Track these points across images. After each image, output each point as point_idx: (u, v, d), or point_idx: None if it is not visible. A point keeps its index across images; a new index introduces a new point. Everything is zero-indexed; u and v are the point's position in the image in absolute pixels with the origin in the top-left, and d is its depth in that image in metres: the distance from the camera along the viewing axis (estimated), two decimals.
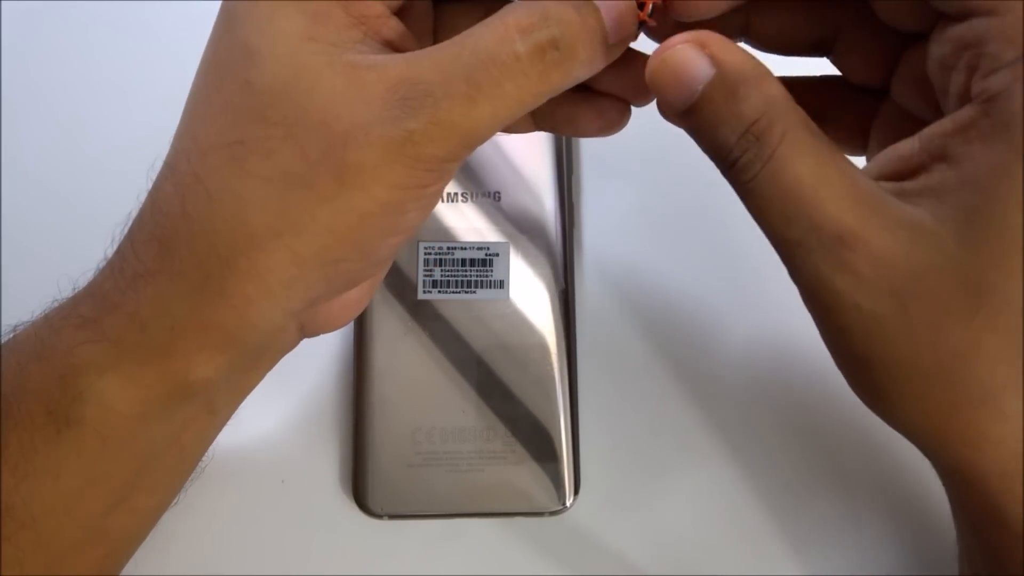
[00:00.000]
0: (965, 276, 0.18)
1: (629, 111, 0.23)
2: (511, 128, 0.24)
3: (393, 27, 0.21)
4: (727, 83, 0.20)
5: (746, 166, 0.20)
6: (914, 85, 0.22)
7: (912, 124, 0.21)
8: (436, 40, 0.23)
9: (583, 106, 0.23)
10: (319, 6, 0.20)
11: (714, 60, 0.20)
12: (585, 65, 0.20)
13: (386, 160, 0.19)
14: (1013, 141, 0.18)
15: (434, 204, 0.22)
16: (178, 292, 0.21)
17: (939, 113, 0.20)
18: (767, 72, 0.20)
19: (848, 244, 0.19)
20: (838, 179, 0.19)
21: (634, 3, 0.21)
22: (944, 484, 0.23)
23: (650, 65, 0.20)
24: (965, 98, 0.19)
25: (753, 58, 0.20)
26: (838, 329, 0.20)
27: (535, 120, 0.24)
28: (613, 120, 0.23)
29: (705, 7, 0.21)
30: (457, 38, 0.20)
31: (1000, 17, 0.18)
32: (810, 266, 0.20)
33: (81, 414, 0.21)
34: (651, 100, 0.23)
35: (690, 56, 0.20)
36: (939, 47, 0.20)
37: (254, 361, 0.23)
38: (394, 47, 0.21)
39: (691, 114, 0.20)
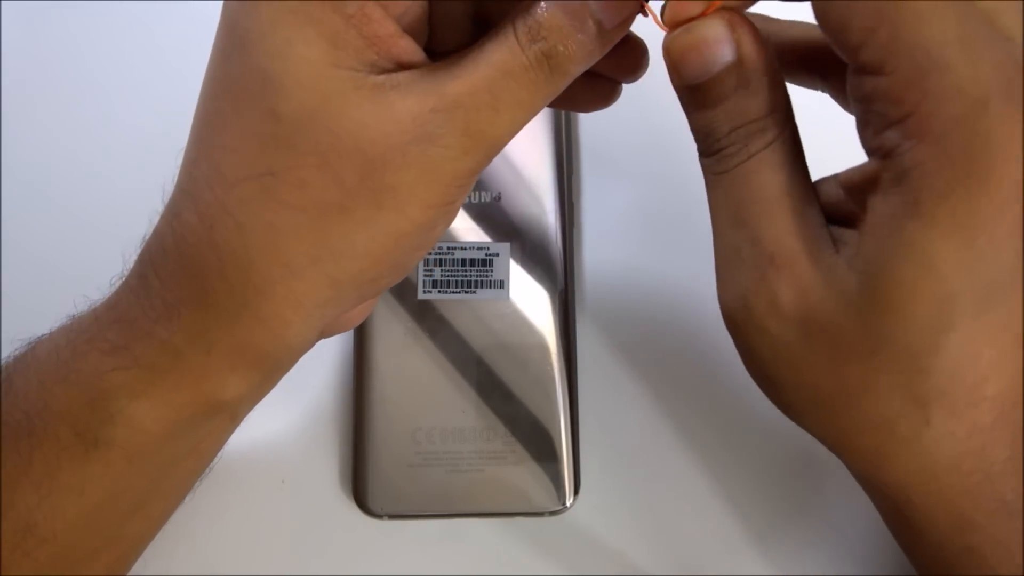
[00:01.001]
0: (864, 322, 0.19)
1: (620, 89, 0.24)
2: None
3: (404, 47, 0.20)
4: (743, 74, 0.20)
5: (724, 159, 0.20)
6: None
7: None
8: (432, 25, 0.23)
9: (577, 85, 0.23)
10: (336, 30, 0.19)
11: (738, 46, 0.20)
12: (582, 62, 0.20)
13: (422, 180, 0.20)
14: (905, 196, 0.18)
15: (455, 217, 0.23)
16: (214, 320, 0.21)
17: None
18: (782, 78, 0.20)
19: (777, 265, 0.20)
20: (797, 202, 0.20)
21: None
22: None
23: (674, 35, 0.20)
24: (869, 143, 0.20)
25: (774, 58, 0.20)
26: (747, 348, 0.21)
27: None
28: (605, 94, 0.24)
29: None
30: (468, 54, 0.20)
31: (886, 77, 0.18)
32: (737, 277, 0.20)
33: (111, 436, 0.21)
34: (638, 78, 0.23)
35: (717, 35, 0.20)
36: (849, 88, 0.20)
37: (281, 371, 0.23)
38: (405, 67, 0.21)
39: (697, 91, 0.20)
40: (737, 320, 0.21)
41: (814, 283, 0.20)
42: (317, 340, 0.24)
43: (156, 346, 0.21)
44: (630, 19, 0.21)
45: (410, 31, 0.21)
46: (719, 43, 0.20)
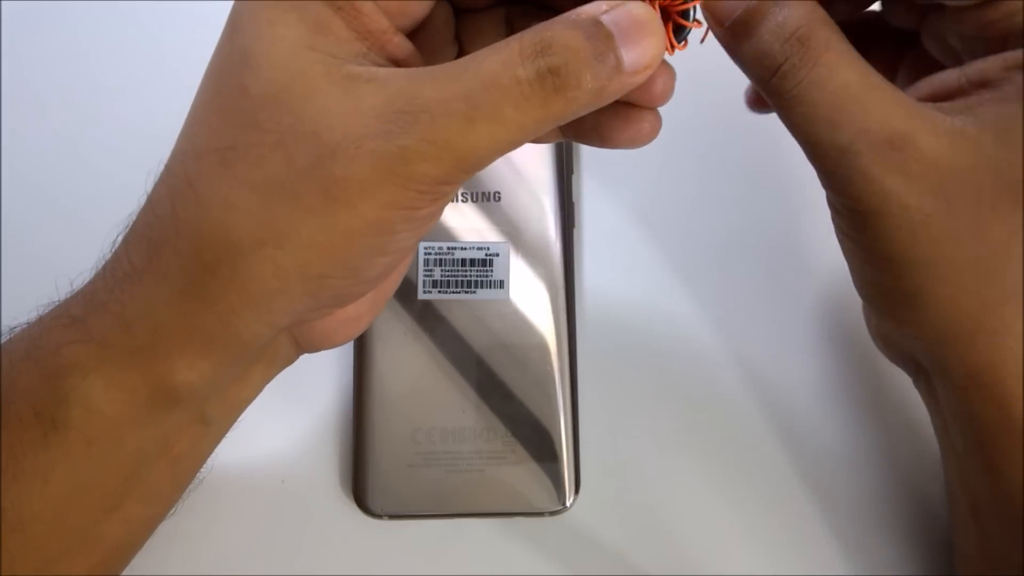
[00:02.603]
0: (1005, 175, 0.20)
1: (659, 121, 0.22)
2: (538, 139, 0.22)
3: (398, 44, 0.20)
4: None
5: (790, 72, 0.21)
6: (938, 41, 0.24)
7: (936, 68, 0.23)
8: (462, 49, 0.23)
9: (610, 116, 0.22)
10: (320, 17, 0.19)
11: None
12: (592, 95, 0.19)
13: (375, 177, 0.19)
14: None
15: (429, 226, 0.21)
16: (162, 294, 0.20)
17: (959, 61, 0.23)
18: None
19: (897, 146, 0.20)
20: (881, 86, 0.21)
21: (662, 32, 0.20)
22: (948, 399, 0.24)
23: None
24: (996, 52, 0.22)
25: None
26: (881, 235, 0.21)
27: (561, 128, 0.23)
28: (644, 131, 0.22)
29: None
30: (463, 59, 0.19)
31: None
32: (858, 170, 0.21)
33: (67, 416, 0.21)
34: (667, 100, 0.22)
35: None
36: (959, 24, 0.22)
37: (243, 371, 0.23)
38: (399, 65, 0.20)
39: (738, 24, 0.21)
40: (874, 209, 0.21)
41: (944, 150, 0.20)
42: (292, 351, 0.24)
43: (109, 319, 0.21)
44: (651, 67, 0.19)
45: (432, 45, 0.21)
46: None
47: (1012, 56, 0.21)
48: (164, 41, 0.36)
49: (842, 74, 0.20)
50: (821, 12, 0.21)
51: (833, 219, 0.23)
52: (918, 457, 0.32)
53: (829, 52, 0.20)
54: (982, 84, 0.21)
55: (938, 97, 0.22)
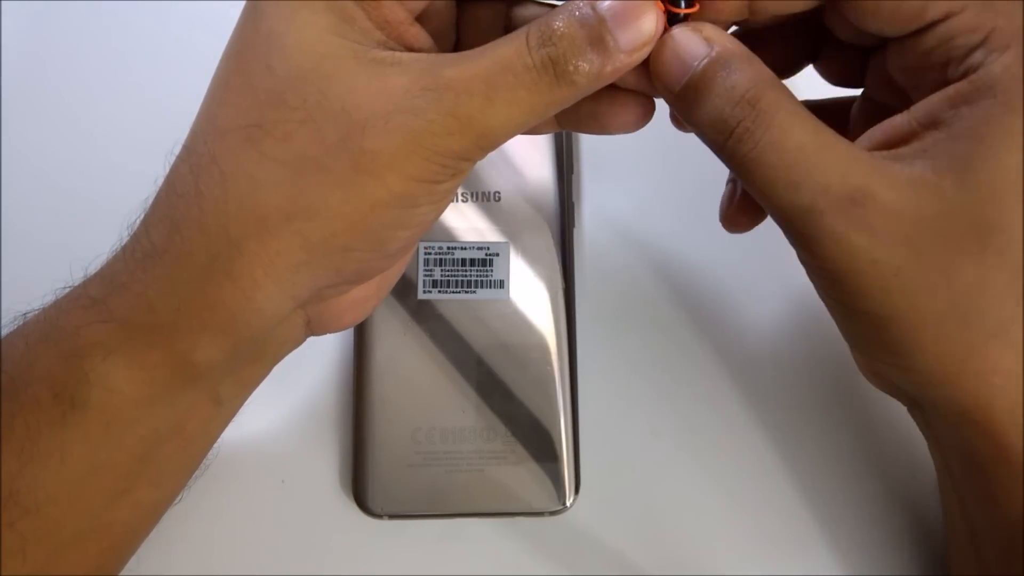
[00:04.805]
0: (968, 217, 0.20)
1: (653, 106, 0.23)
2: (535, 129, 0.24)
3: (415, 34, 0.21)
4: (722, 60, 0.21)
5: (745, 135, 0.21)
6: (883, 84, 0.24)
7: (885, 114, 0.23)
8: (459, 36, 0.24)
9: (605, 102, 0.23)
10: (345, 8, 0.20)
11: (709, 43, 0.21)
12: (591, 78, 0.20)
13: (403, 150, 0.20)
14: (997, 97, 0.20)
15: (446, 203, 0.23)
16: (186, 272, 0.21)
17: (908, 103, 0.22)
18: (756, 57, 0.21)
19: (859, 202, 0.20)
20: (837, 144, 0.21)
21: (655, 12, 0.21)
22: (943, 432, 0.24)
23: (653, 48, 0.21)
24: (941, 85, 0.22)
25: (744, 46, 0.21)
26: (855, 292, 0.21)
27: (558, 119, 0.24)
28: (637, 115, 0.23)
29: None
30: (479, 48, 0.20)
31: (958, 16, 0.21)
32: (824, 229, 0.21)
33: (87, 397, 0.21)
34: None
35: (690, 38, 0.21)
36: (901, 58, 0.23)
37: (258, 350, 0.23)
38: (415, 52, 0.21)
39: (687, 90, 0.21)
40: (843, 268, 0.21)
41: (905, 201, 0.20)
42: (302, 331, 0.24)
43: (131, 299, 0.21)
44: (648, 45, 0.21)
45: (433, 30, 0.22)
46: (694, 42, 0.21)
47: (955, 91, 0.21)
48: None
49: (796, 134, 0.21)
50: (768, 73, 0.21)
51: (808, 276, 0.23)
52: (915, 459, 0.32)
53: (781, 113, 0.21)
54: (932, 125, 0.21)
55: (892, 143, 0.22)
